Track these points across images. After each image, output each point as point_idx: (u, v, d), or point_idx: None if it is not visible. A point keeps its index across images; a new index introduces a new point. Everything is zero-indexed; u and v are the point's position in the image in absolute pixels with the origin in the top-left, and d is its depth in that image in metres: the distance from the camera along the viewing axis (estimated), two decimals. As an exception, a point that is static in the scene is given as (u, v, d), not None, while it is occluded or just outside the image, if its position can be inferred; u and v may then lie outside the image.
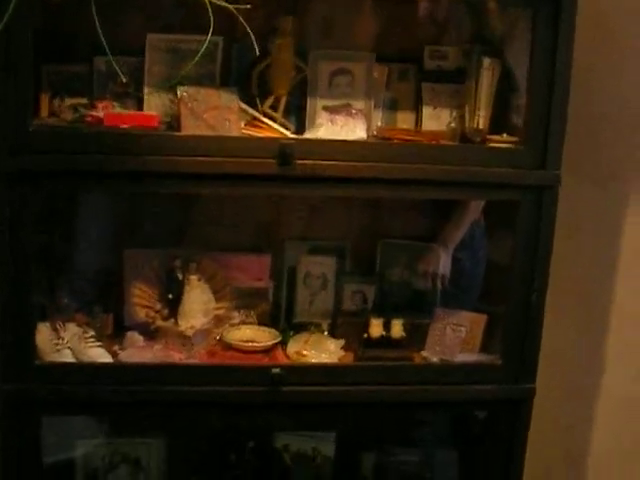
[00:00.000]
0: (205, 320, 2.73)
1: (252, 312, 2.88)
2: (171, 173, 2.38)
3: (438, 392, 2.68)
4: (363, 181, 2.47)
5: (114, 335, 2.76)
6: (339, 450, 3.06)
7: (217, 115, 2.48)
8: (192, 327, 2.71)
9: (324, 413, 2.70)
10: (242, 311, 2.87)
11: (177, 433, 2.93)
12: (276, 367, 2.57)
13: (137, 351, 2.66)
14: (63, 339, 2.63)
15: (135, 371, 2.55)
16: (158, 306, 2.75)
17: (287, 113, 2.67)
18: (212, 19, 2.17)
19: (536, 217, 2.58)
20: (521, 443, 2.75)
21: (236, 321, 2.85)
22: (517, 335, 2.67)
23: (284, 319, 2.93)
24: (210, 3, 2.19)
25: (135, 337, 2.70)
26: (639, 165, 2.90)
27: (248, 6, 2.20)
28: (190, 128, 2.45)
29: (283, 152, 2.37)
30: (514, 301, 2.66)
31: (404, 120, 2.80)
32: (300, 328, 2.88)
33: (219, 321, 2.81)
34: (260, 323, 2.88)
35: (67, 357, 2.59)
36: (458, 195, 2.69)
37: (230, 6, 2.19)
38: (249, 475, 3.03)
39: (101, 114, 2.43)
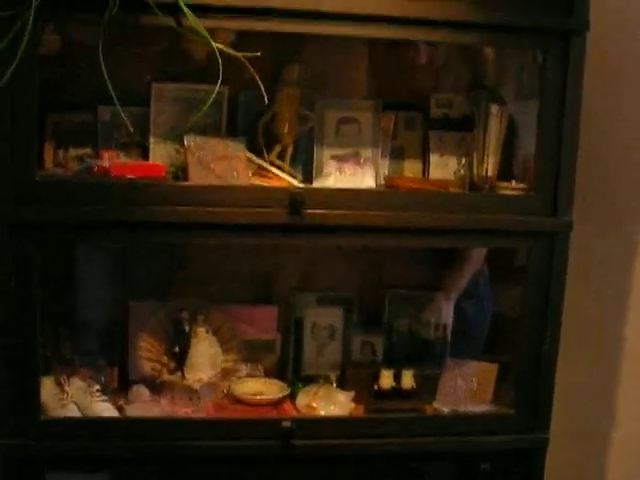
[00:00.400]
0: (212, 373, 2.68)
1: (259, 365, 2.81)
2: (180, 223, 2.35)
3: (451, 443, 2.64)
4: (373, 229, 2.45)
5: (119, 389, 2.70)
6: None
7: (225, 165, 2.47)
8: (199, 380, 2.66)
9: (335, 467, 2.62)
10: (249, 364, 2.81)
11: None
12: (286, 420, 2.52)
13: (143, 405, 2.60)
14: (68, 393, 2.56)
15: (141, 426, 2.50)
16: (164, 359, 2.70)
17: (294, 162, 2.65)
18: (221, 69, 2.15)
19: (547, 265, 2.56)
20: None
21: (243, 374, 2.80)
22: (529, 384, 2.64)
23: (292, 371, 2.87)
24: (220, 52, 2.16)
25: (141, 391, 2.64)
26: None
27: (258, 54, 2.18)
28: (197, 178, 2.43)
29: (293, 201, 2.34)
30: (525, 350, 2.63)
31: (411, 168, 2.79)
32: (308, 380, 2.81)
33: (226, 374, 2.76)
34: (267, 375, 2.82)
35: (72, 412, 2.53)
36: (468, 243, 2.68)
37: (240, 54, 2.17)
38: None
39: (107, 164, 2.40)
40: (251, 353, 2.83)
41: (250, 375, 2.81)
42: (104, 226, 2.35)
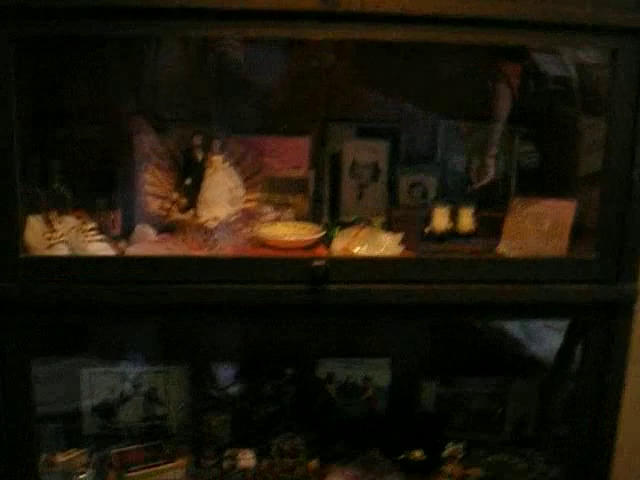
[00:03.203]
0: (232, 210, 2.24)
1: (289, 208, 2.34)
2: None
3: (517, 293, 2.14)
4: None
5: (121, 234, 2.26)
6: (395, 379, 2.58)
7: None
8: (216, 218, 2.21)
9: (375, 318, 2.16)
10: (277, 206, 2.33)
11: (200, 352, 2.47)
12: (319, 260, 2.04)
13: (148, 247, 2.16)
14: (57, 232, 2.11)
15: (145, 266, 2.04)
16: (174, 196, 2.25)
17: None
18: None
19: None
20: (620, 355, 2.20)
21: (269, 217, 2.32)
22: (615, 223, 2.12)
23: (328, 216, 2.38)
24: None
25: (146, 231, 2.21)
26: None
27: None
28: None
29: None
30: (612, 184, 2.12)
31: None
32: (347, 226, 2.33)
33: (249, 217, 2.30)
34: (298, 220, 2.36)
35: (62, 252, 2.07)
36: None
37: None
38: (286, 411, 2.51)
39: None
40: (278, 193, 2.36)
41: (277, 219, 2.33)
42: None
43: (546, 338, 2.77)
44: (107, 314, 2.08)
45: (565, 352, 2.60)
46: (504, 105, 2.43)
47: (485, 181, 2.47)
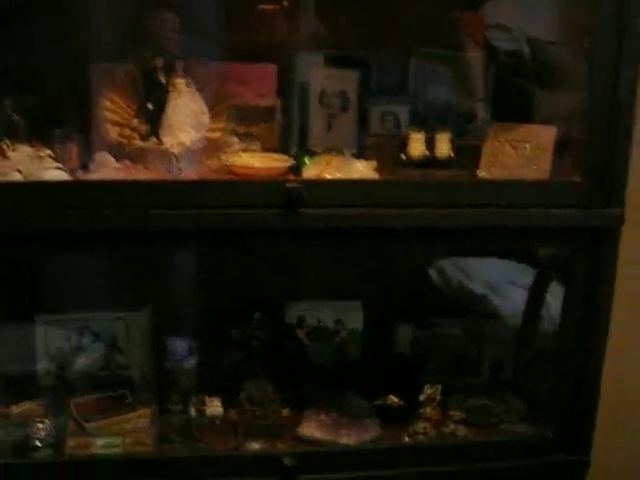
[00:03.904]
0: (196, 136, 2.09)
1: (255, 140, 2.22)
2: None
3: (500, 215, 2.03)
4: None
5: (79, 165, 2.10)
6: (368, 322, 2.46)
7: None
8: (180, 144, 2.07)
9: (350, 242, 2.04)
10: (243, 137, 2.20)
11: (162, 297, 2.36)
12: (292, 183, 1.93)
13: (109, 173, 2.00)
14: (10, 159, 1.96)
15: (106, 191, 1.90)
16: (135, 122, 2.10)
17: None
18: None
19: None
20: (607, 283, 2.12)
21: (236, 148, 2.19)
22: (601, 144, 2.06)
23: (296, 147, 2.26)
24: None
25: (106, 158, 2.06)
26: None
27: None
28: None
29: None
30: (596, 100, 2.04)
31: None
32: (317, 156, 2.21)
33: (214, 148, 2.16)
34: (266, 152, 2.22)
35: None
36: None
37: None
38: (255, 357, 2.38)
39: None
40: (245, 122, 2.22)
41: (244, 151, 2.19)
42: None
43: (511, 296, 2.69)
44: (67, 244, 1.93)
45: (533, 302, 2.51)
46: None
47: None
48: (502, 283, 2.74)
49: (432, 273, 2.65)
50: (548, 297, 2.45)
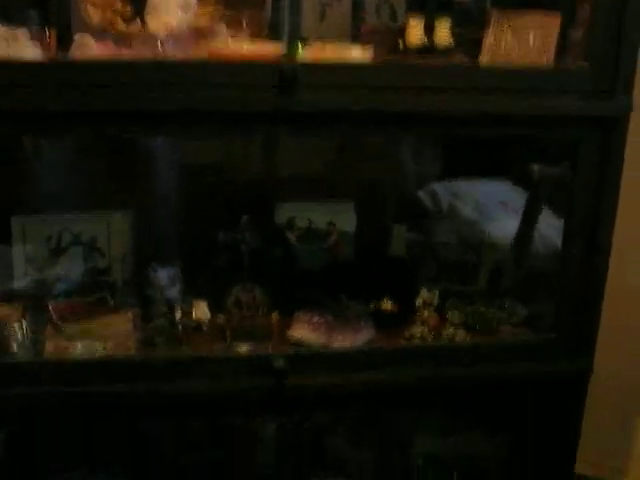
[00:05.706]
0: (184, 17, 1.95)
1: (244, 26, 2.09)
2: None
3: (504, 103, 1.95)
4: None
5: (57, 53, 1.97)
6: (361, 223, 2.39)
7: None
8: (166, 26, 1.92)
9: (348, 134, 1.97)
10: (231, 23, 2.07)
11: (144, 195, 2.23)
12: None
13: (89, 54, 1.87)
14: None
15: (86, 69, 1.76)
16: (118, 4, 1.96)
17: None
18: None
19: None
20: (614, 174, 2.03)
21: (224, 35, 2.05)
22: (608, 30, 1.95)
23: (287, 37, 2.12)
24: None
25: (86, 40, 1.91)
26: None
27: None
28: None
29: None
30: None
31: None
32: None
33: (200, 36, 2.02)
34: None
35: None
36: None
37: None
38: (243, 260, 2.26)
39: None
40: (233, 9, 2.08)
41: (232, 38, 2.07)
42: None
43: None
44: (45, 125, 1.80)
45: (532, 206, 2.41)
46: None
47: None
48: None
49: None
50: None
